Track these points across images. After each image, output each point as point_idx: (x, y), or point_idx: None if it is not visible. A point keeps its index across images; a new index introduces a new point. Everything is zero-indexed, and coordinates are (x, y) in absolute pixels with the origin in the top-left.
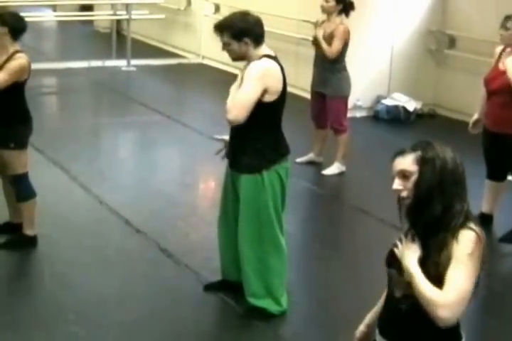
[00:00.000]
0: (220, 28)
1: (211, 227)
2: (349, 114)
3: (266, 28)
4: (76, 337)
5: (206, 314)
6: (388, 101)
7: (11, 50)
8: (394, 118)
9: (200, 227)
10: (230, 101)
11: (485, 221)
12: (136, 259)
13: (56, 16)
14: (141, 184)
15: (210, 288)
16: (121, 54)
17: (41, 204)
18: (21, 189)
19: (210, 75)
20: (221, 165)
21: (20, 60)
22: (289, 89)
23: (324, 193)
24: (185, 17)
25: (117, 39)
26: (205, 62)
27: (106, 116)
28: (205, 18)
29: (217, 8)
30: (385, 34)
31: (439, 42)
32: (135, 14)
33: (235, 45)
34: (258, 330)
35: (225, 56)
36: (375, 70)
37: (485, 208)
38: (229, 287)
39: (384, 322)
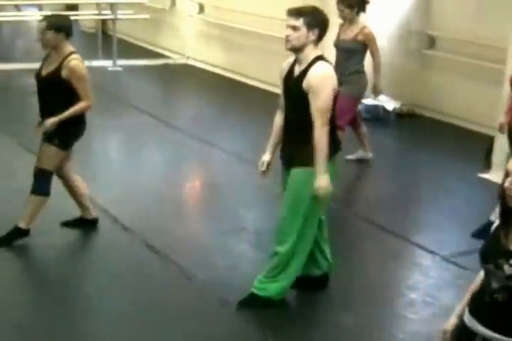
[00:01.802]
0: (300, 11)
1: (198, 224)
2: None
3: (250, 28)
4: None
5: (193, 308)
6: (368, 101)
7: (66, 51)
8: (373, 118)
9: (187, 224)
10: (316, 112)
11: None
12: (124, 256)
13: (42, 16)
14: (129, 183)
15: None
16: (107, 54)
17: None
18: (40, 183)
19: (195, 75)
20: (206, 165)
21: (77, 66)
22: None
23: None
24: (170, 17)
25: (103, 39)
26: (191, 62)
27: (93, 116)
28: (189, 18)
29: (201, 8)
30: None
31: (419, 43)
32: (120, 14)
33: (303, 32)
34: (247, 325)
35: (210, 56)
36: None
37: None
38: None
39: (477, 306)
